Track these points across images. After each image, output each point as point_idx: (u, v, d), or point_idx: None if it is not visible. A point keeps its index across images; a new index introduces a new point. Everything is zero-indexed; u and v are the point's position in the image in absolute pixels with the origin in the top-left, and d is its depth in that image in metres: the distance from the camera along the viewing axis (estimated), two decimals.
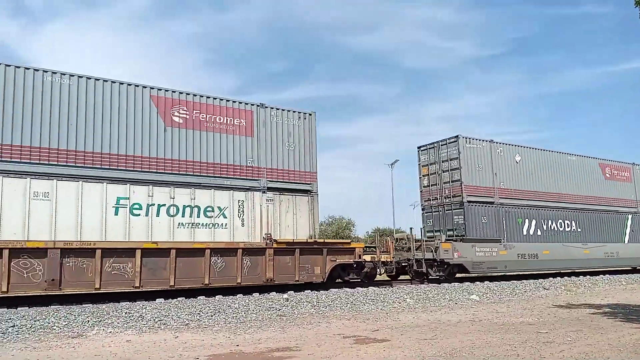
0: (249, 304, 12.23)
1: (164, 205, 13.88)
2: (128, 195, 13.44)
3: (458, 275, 19.81)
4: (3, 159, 12.08)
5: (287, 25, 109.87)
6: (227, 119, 15.20)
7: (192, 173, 14.41)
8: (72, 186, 12.80)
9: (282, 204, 15.73)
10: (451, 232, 19.86)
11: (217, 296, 13.87)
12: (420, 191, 21.66)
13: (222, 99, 15.23)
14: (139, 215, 13.50)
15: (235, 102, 15.48)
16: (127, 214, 13.35)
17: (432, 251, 18.71)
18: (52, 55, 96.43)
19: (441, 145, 20.77)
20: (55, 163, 12.66)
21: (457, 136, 20.21)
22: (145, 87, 14.12)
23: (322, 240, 16.28)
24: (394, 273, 19.53)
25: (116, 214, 13.22)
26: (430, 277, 18.84)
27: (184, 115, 14.53)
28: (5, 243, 11.77)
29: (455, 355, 6.74)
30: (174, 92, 14.51)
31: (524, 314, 11.26)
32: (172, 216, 13.94)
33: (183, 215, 14.09)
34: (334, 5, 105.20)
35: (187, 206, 14.19)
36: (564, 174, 23.31)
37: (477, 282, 18.60)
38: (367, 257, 17.10)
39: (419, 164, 21.75)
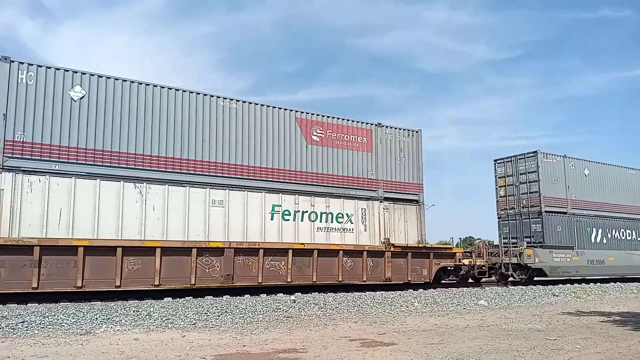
0: (256, 305, 12.25)
1: (307, 212, 16.21)
2: (280, 203, 15.76)
3: (536, 278, 22.12)
4: (189, 172, 14.42)
5: (302, 26, 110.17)
6: (352, 137, 17.58)
7: (327, 184, 16.79)
8: (240, 195, 15.12)
9: (395, 212, 17.90)
10: (528, 239, 22.11)
11: (224, 296, 13.94)
12: (497, 201, 24.04)
13: (348, 120, 17.58)
14: (288, 220, 15.85)
15: (358, 122, 17.78)
16: (279, 219, 15.69)
17: (516, 256, 20.95)
18: (70, 55, 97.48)
19: (519, 159, 23.17)
20: (228, 176, 15.03)
21: (535, 152, 22.64)
22: (291, 110, 16.47)
23: (429, 245, 18.48)
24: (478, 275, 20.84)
25: (272, 219, 15.55)
26: (513, 279, 20.98)
27: (320, 135, 16.93)
28: (192, 243, 14.00)
29: None
30: (313, 114, 16.89)
31: (533, 320, 11.16)
32: (312, 221, 16.28)
33: (320, 221, 16.44)
34: (350, 6, 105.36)
35: (323, 213, 16.51)
36: (625, 186, 25.60)
37: (486, 288, 18.55)
38: (465, 261, 19.28)
39: (496, 176, 24.14)
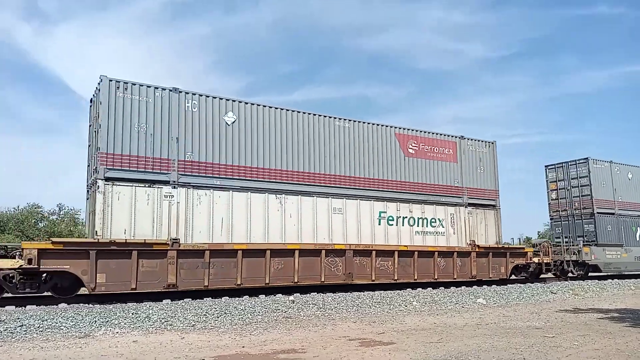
0: (255, 306, 12.26)
1: (406, 217, 18.20)
2: (385, 210, 17.75)
3: (590, 274, 24.03)
4: (316, 184, 16.48)
5: (297, 27, 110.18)
6: (440, 149, 19.48)
7: (421, 192, 18.68)
8: (354, 204, 17.12)
9: (477, 216, 19.94)
10: (581, 238, 24.10)
11: (223, 298, 13.94)
12: (549, 203, 26.32)
13: (436, 133, 19.55)
14: (392, 225, 17.83)
15: (445, 135, 19.72)
16: (385, 224, 17.67)
17: (575, 254, 23.15)
18: (66, 58, 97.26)
19: (570, 165, 25.39)
20: (345, 187, 17.04)
21: (586, 158, 24.74)
22: (391, 127, 18.43)
23: (506, 246, 20.97)
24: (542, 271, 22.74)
25: (379, 224, 17.53)
26: (572, 275, 23.19)
27: (415, 147, 18.86)
28: (320, 245, 16.04)
29: (461, 359, 6.72)
30: (408, 129, 18.84)
31: (531, 318, 11.19)
32: (411, 226, 18.27)
33: (417, 225, 18.42)
34: (345, 7, 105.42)
35: (420, 218, 18.50)
36: None
37: (485, 286, 18.59)
38: (535, 259, 21.52)
39: (547, 180, 26.39)
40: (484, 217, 20.08)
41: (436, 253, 18.27)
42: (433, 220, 18.74)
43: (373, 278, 16.80)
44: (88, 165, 14.91)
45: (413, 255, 17.77)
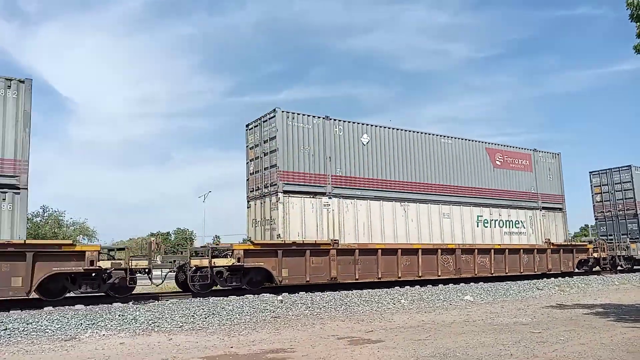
0: (243, 306, 12.20)
1: (496, 220, 21.31)
2: (481, 214, 20.89)
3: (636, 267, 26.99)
4: (429, 193, 19.40)
5: (283, 28, 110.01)
6: (519, 161, 22.88)
7: (507, 198, 21.90)
8: (458, 209, 20.13)
9: (549, 218, 23.38)
10: (624, 236, 27.36)
11: (211, 298, 13.86)
12: (594, 205, 29.65)
13: (515, 147, 22.94)
14: (487, 227, 20.99)
15: (522, 148, 23.24)
16: (482, 226, 20.83)
17: (624, 249, 26.30)
18: (49, 59, 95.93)
19: (614, 171, 28.68)
20: (449, 194, 20.02)
21: (629, 165, 28.09)
22: (482, 142, 21.72)
23: (573, 243, 25.07)
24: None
25: (477, 226, 20.66)
26: (621, 268, 26.02)
27: (500, 159, 22.14)
28: (436, 245, 18.94)
29: (449, 356, 6.75)
30: (495, 144, 22.17)
31: (518, 314, 11.30)
32: (500, 227, 21.42)
33: (505, 227, 21.60)
34: (330, 8, 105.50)
35: (506, 220, 21.67)
36: None
37: (472, 283, 18.75)
38: (594, 255, 24.56)
39: (591, 185, 29.62)
40: (554, 219, 23.59)
41: (521, 250, 21.51)
42: (517, 222, 22.03)
43: (476, 272, 19.66)
44: (247, 180, 17.99)
45: (504, 252, 20.86)
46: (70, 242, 13.43)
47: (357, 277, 16.71)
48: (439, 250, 18.82)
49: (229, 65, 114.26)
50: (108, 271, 12.96)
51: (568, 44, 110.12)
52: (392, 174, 18.62)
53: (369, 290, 16.08)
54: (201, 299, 13.76)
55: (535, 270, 21.69)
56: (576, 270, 23.84)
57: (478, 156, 21.29)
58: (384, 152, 18.55)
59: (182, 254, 15.66)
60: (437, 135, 20.22)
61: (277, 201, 16.06)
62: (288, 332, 9.10)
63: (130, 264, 13.24)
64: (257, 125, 17.52)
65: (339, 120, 17.62)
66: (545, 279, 20.96)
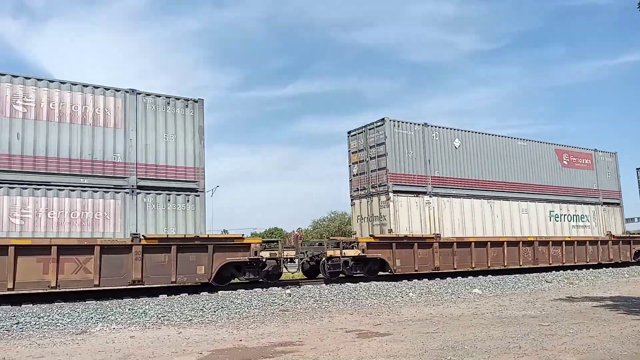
0: (251, 300, 12.27)
1: (565, 214, 23.42)
2: (553, 209, 22.95)
3: None
4: (509, 191, 21.43)
5: (288, 22, 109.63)
6: (582, 160, 24.90)
7: (573, 195, 23.95)
8: (533, 205, 22.23)
9: (609, 213, 25.42)
10: None
11: (219, 292, 13.95)
12: None
13: (578, 147, 24.97)
14: (558, 221, 23.05)
15: (584, 148, 25.15)
16: (553, 220, 22.87)
17: None
18: (54, 55, 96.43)
19: None
20: (526, 192, 22.06)
21: None
22: (552, 144, 23.81)
23: (631, 235, 26.53)
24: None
25: (550, 220, 22.73)
26: None
27: (567, 159, 24.23)
28: (519, 237, 21.00)
29: (458, 349, 6.75)
30: (562, 145, 24.24)
31: (526, 307, 11.27)
32: (569, 221, 23.51)
33: (572, 221, 23.69)
34: (335, 1, 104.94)
35: (574, 215, 23.77)
36: None
37: (480, 276, 18.71)
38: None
39: (638, 180, 30.86)
40: (613, 213, 25.61)
41: (587, 242, 23.43)
42: (582, 216, 24.10)
43: (550, 262, 21.63)
44: (350, 180, 20.14)
45: (573, 244, 22.83)
46: (240, 235, 15.22)
47: (455, 267, 18.78)
48: (520, 243, 20.85)
49: (234, 59, 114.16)
50: (264, 260, 14.98)
51: (575, 34, 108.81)
52: (480, 174, 20.69)
53: (377, 283, 16.10)
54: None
55: (599, 260, 23.59)
56: (632, 260, 25.36)
57: (548, 157, 23.38)
58: (472, 155, 20.60)
59: (312, 246, 18.48)
60: (514, 138, 22.25)
61: (387, 200, 18.30)
62: (296, 325, 9.14)
63: (282, 254, 15.56)
64: (361, 132, 19.74)
65: (435, 127, 19.69)
66: (555, 271, 21.05)
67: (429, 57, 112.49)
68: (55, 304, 11.94)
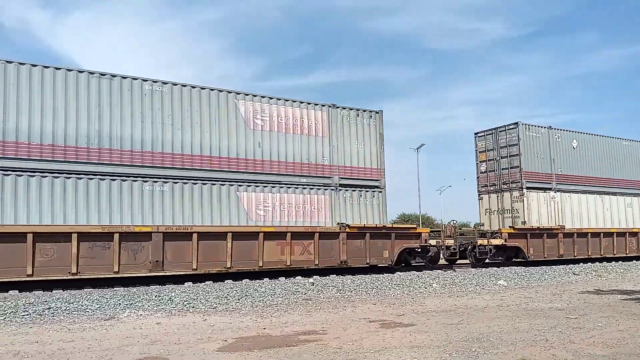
0: (275, 288, 12.37)
1: (619, 207, 24.13)
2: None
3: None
4: (615, 187, 23.52)
5: (308, 10, 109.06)
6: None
7: (625, 187, 24.44)
8: (636, 200, 24.32)
9: None
10: None
11: (244, 280, 14.11)
12: None
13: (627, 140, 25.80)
14: (608, 211, 23.48)
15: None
16: (610, 211, 23.43)
17: None
18: (80, 45, 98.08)
19: None
20: (630, 187, 24.12)
21: None
22: (619, 138, 24.80)
23: None
24: None
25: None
26: None
27: None
28: (625, 229, 23.28)
29: (483, 340, 6.68)
30: (619, 138, 24.93)
31: (553, 299, 11.08)
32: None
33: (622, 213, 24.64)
34: None
35: (627, 206, 24.27)
36: None
37: (504, 268, 18.49)
38: None
39: None
40: None
41: (627, 233, 24.09)
42: (628, 208, 24.99)
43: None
44: (477, 177, 22.44)
45: (625, 235, 23.65)
46: (414, 226, 18.47)
47: (575, 255, 20.89)
48: (627, 234, 23.03)
49: (256, 49, 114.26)
50: (428, 247, 17.67)
51: (605, 20, 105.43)
52: (592, 171, 22.78)
53: (400, 273, 16.05)
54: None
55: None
56: None
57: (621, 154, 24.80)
58: (586, 154, 22.75)
59: (463, 235, 20.32)
60: (619, 138, 24.24)
61: (521, 195, 20.54)
62: (319, 315, 9.18)
63: (444, 242, 18.29)
64: (490, 134, 22.01)
65: (557, 129, 21.91)
66: (582, 264, 20.72)
67: (453, 45, 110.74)
68: (85, 290, 12.25)
